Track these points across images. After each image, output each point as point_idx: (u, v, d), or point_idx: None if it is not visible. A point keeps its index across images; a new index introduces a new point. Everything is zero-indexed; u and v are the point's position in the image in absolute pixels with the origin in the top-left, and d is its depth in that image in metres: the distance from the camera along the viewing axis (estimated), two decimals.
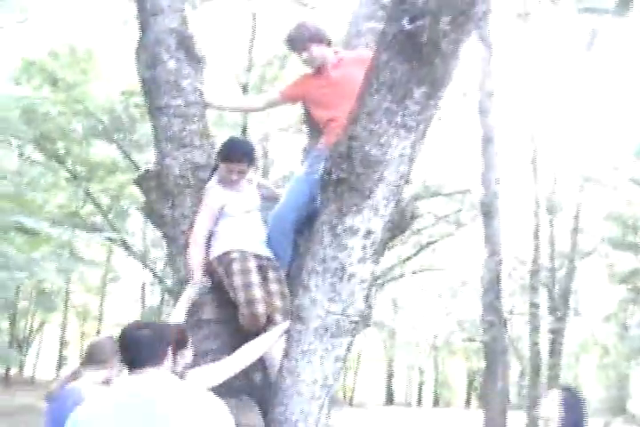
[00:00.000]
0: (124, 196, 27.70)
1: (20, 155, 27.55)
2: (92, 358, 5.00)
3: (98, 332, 43.63)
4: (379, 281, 24.74)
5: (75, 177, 24.90)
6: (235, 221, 5.40)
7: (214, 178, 5.51)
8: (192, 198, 5.52)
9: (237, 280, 5.14)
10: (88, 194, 25.08)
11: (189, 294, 5.21)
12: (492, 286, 16.23)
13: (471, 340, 26.55)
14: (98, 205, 25.66)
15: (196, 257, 5.31)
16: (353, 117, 4.48)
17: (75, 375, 4.92)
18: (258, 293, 5.05)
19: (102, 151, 26.15)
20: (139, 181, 5.77)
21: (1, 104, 23.11)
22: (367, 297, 4.69)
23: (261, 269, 5.26)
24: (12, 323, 40.82)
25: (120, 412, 3.52)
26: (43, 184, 28.74)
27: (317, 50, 5.52)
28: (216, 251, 5.34)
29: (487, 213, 16.73)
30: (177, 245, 5.53)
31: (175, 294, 5.55)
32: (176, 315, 5.17)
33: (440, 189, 22.23)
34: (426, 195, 20.64)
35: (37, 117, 22.75)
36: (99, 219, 27.17)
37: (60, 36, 25.67)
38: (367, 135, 4.39)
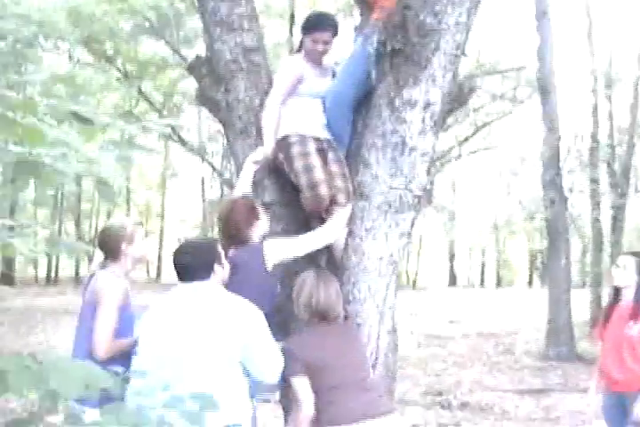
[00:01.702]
0: (176, 92, 27.69)
1: (70, 58, 27.56)
2: (101, 248, 5.07)
3: (161, 229, 44.39)
4: (437, 163, 24.57)
5: (126, 76, 24.88)
6: (298, 103, 5.32)
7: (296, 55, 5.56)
8: (245, 82, 5.45)
9: (298, 163, 5.10)
10: (140, 92, 25.08)
11: (254, 159, 5.21)
12: (552, 163, 16.05)
13: (532, 217, 26.36)
14: (151, 103, 25.68)
15: (269, 120, 5.26)
16: None
17: (102, 267, 5.01)
18: (319, 175, 4.99)
19: (151, 48, 26.05)
20: (191, 69, 5.73)
21: (46, 7, 22.98)
22: (429, 171, 4.63)
23: (321, 152, 5.22)
24: (77, 225, 41.67)
25: (168, 318, 4.14)
26: (95, 86, 28.80)
27: None
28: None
29: (544, 89, 16.40)
30: (233, 131, 5.49)
31: (234, 186, 5.55)
32: (241, 184, 5.20)
33: (495, 66, 21.79)
34: (480, 73, 20.25)
35: (83, 19, 22.62)
36: (153, 117, 27.20)
37: None
38: (421, 3, 4.27)
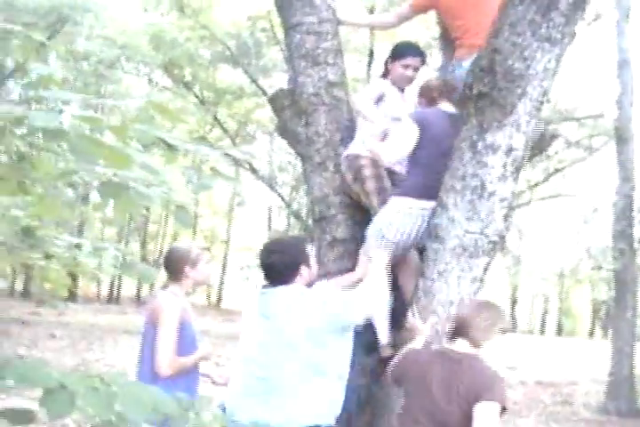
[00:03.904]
0: (251, 120, 27.93)
1: (149, 81, 28.01)
2: (165, 268, 5.10)
3: (225, 255, 44.56)
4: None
5: (202, 102, 25.18)
6: (374, 126, 5.24)
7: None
8: (326, 116, 5.48)
9: (370, 185, 5.12)
10: (216, 119, 25.34)
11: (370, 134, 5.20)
12: (625, 213, 15.79)
13: (599, 268, 25.89)
14: (225, 130, 25.92)
15: (366, 108, 5.27)
16: (495, 30, 4.30)
17: (164, 287, 5.03)
18: (370, 183, 5.10)
19: (229, 76, 26.33)
20: (272, 100, 5.75)
21: (131, 31, 23.44)
22: (506, 217, 4.55)
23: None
24: (143, 246, 42.06)
25: (255, 327, 4.24)
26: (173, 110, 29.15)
27: None
28: (348, 150, 5.33)
29: (621, 137, 16.18)
30: (312, 164, 5.49)
31: (301, 218, 5.57)
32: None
33: (572, 113, 21.59)
34: (557, 119, 20.08)
35: (165, 44, 23.00)
36: (226, 143, 27.46)
37: None
38: (510, 48, 4.21)
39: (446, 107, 4.95)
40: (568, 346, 34.80)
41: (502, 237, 4.58)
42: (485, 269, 4.61)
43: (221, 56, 23.88)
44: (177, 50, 23.13)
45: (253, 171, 25.99)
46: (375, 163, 5.11)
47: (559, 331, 53.55)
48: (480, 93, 4.32)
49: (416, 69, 5.45)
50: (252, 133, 30.26)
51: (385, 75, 5.56)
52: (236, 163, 27.79)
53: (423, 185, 4.76)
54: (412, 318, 4.55)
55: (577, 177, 27.55)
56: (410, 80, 5.46)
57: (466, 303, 4.17)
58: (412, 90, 5.52)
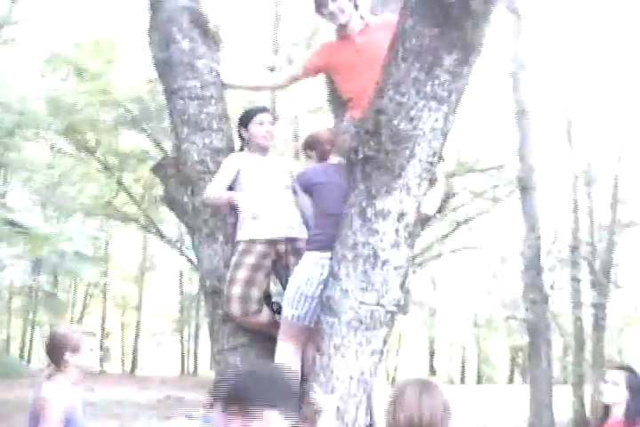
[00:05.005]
0: (156, 184, 27.50)
1: (51, 147, 27.55)
2: (46, 354, 4.78)
3: (137, 321, 43.76)
4: (417, 260, 24.39)
5: (106, 167, 24.80)
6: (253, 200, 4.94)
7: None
8: None
9: (228, 274, 4.91)
10: (120, 184, 24.94)
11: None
12: (533, 263, 15.85)
13: (513, 318, 26.01)
14: (130, 195, 25.48)
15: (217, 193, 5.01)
16: (379, 89, 4.11)
17: (49, 377, 4.68)
18: (236, 290, 4.81)
19: (132, 141, 26.00)
20: (156, 169, 5.49)
21: (26, 97, 23.02)
22: (403, 284, 4.31)
23: (267, 258, 4.94)
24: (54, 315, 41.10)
25: None
26: (75, 176, 28.76)
27: (345, 2, 5.05)
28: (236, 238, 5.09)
29: (524, 187, 16.32)
30: (200, 235, 5.23)
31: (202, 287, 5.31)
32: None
33: (475, 164, 21.77)
34: (460, 171, 20.21)
35: (63, 109, 22.65)
36: (133, 208, 27.01)
37: (84, 29, 25.60)
38: (395, 108, 4.02)
39: (337, 160, 4.77)
40: (489, 394, 34.84)
41: (400, 306, 4.34)
42: (384, 341, 4.35)
43: (123, 120, 23.60)
44: (77, 115, 22.78)
45: (161, 235, 25.61)
46: (247, 248, 4.91)
47: (479, 379, 53.72)
48: (366, 157, 4.11)
49: (271, 124, 5.22)
50: (158, 197, 29.85)
51: (243, 146, 5.31)
52: (143, 227, 27.41)
53: (332, 236, 4.51)
54: (314, 394, 4.27)
55: (485, 228, 27.78)
56: (270, 135, 5.21)
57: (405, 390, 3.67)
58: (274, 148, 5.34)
